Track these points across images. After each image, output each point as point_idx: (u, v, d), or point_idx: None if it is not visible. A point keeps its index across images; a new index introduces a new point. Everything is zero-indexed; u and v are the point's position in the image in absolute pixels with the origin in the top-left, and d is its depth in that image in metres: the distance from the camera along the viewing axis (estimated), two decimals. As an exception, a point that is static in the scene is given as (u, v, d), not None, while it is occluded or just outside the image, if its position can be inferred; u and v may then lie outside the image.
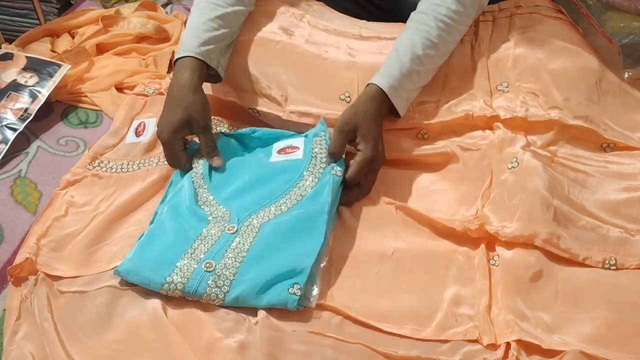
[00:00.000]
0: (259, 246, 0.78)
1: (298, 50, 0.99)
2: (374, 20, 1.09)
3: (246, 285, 0.74)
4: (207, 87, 1.00)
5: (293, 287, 0.73)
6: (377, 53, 0.98)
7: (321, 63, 0.98)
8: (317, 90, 0.97)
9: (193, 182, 0.87)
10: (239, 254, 0.77)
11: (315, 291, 0.75)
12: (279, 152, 0.92)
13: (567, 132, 0.91)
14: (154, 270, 0.75)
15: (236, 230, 0.80)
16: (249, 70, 0.99)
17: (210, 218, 0.82)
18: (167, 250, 0.78)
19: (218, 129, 1.01)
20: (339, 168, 0.86)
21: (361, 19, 1.09)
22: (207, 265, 0.76)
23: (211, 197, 0.86)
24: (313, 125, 0.94)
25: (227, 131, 1.01)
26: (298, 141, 0.92)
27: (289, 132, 0.95)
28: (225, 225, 0.81)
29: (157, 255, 0.77)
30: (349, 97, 0.95)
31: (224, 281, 0.75)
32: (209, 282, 0.74)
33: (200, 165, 0.90)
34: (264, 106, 0.99)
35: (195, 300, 0.75)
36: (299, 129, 0.96)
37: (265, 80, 0.99)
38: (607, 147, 0.92)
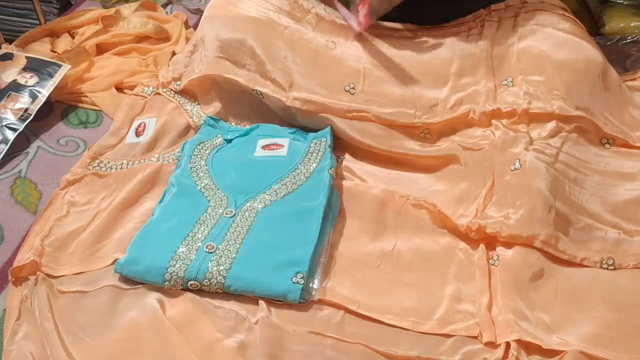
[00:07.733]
0: (257, 229, 0.80)
1: (306, 37, 0.99)
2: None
3: (247, 264, 0.76)
4: (203, 64, 1.01)
5: (296, 276, 0.74)
6: (385, 48, 0.98)
7: (328, 53, 0.98)
8: (322, 79, 0.97)
9: (191, 169, 0.90)
10: (238, 236, 0.79)
11: (316, 284, 0.76)
12: (264, 147, 0.95)
13: (568, 122, 0.91)
14: (156, 256, 0.76)
15: (234, 215, 0.82)
16: (255, 51, 0.99)
17: (210, 203, 0.85)
18: (167, 236, 0.79)
19: (220, 130, 1.01)
20: (333, 168, 0.89)
21: None
22: (209, 247, 0.77)
23: (212, 182, 0.88)
24: (315, 113, 0.96)
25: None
26: (283, 140, 0.95)
27: (289, 129, 0.98)
28: (224, 209, 0.83)
29: (158, 241, 0.79)
30: (353, 88, 0.96)
31: (225, 259, 0.76)
32: (211, 262, 0.76)
33: (203, 153, 0.93)
34: (267, 88, 0.99)
35: (196, 293, 0.75)
36: (302, 115, 0.97)
37: (272, 63, 0.99)
38: (606, 142, 0.92)
